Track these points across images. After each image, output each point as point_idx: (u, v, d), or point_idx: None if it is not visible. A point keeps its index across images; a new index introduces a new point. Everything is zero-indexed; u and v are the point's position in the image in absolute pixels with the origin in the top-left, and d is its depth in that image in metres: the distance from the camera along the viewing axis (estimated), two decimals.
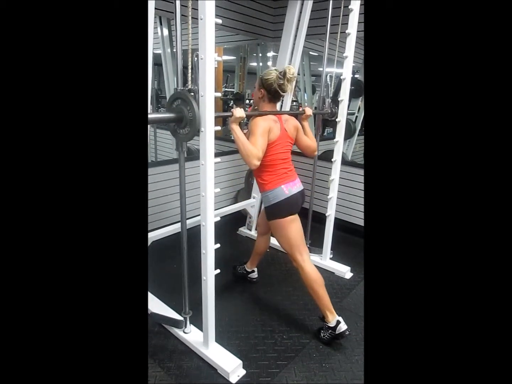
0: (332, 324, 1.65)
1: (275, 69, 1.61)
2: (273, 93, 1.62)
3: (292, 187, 1.67)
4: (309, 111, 1.83)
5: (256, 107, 1.72)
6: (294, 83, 1.61)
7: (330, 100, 2.22)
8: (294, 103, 3.87)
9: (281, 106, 2.56)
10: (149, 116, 1.19)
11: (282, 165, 1.67)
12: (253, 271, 2.19)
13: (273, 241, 2.67)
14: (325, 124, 2.37)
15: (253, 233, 2.85)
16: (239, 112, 1.44)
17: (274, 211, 1.68)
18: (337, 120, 2.15)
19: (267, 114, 1.62)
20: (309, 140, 1.81)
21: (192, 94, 1.23)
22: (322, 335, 1.69)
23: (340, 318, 1.66)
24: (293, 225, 1.68)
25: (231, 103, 4.09)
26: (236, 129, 1.47)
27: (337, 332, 1.63)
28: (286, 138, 1.68)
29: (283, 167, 1.67)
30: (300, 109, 1.84)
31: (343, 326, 1.63)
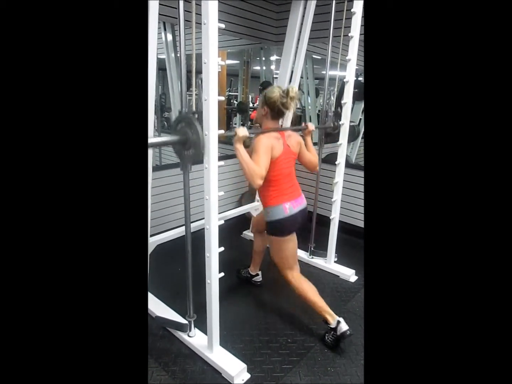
0: (333, 325, 1.66)
1: (278, 87, 1.65)
2: (277, 111, 1.65)
3: (294, 206, 1.68)
4: (311, 126, 1.87)
5: (258, 124, 1.76)
6: (296, 101, 1.64)
7: (332, 114, 2.23)
8: (297, 109, 3.88)
9: (283, 121, 2.56)
10: (154, 140, 1.24)
11: (285, 180, 1.69)
12: (257, 275, 2.19)
13: None
14: (328, 138, 2.38)
15: None
16: (242, 131, 1.47)
17: (274, 228, 1.71)
18: (341, 123, 2.16)
19: (269, 132, 1.65)
20: (311, 156, 1.84)
21: (196, 116, 1.26)
22: (326, 338, 1.68)
23: (341, 319, 1.65)
24: (289, 245, 1.73)
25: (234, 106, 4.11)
26: (240, 148, 1.49)
27: (338, 333, 1.63)
28: (289, 154, 1.71)
29: (286, 183, 1.69)
30: (303, 125, 1.88)
31: (343, 326, 1.64)
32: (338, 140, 2.21)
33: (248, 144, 1.57)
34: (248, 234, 2.93)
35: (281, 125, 2.45)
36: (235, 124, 4.08)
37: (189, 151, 1.31)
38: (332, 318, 1.67)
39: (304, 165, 1.86)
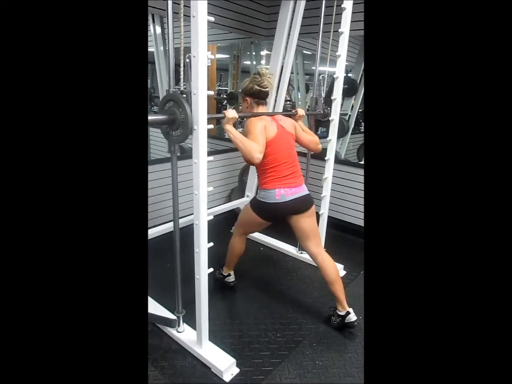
0: (225, 273, 2.06)
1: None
2: (257, 94, 1.64)
3: (288, 193, 1.63)
4: (301, 111, 1.84)
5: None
6: (274, 79, 1.68)
7: (322, 101, 2.22)
8: (288, 102, 3.87)
9: (274, 106, 2.56)
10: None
11: (283, 164, 1.64)
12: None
13: (268, 240, 2.69)
14: (318, 124, 2.38)
15: None
16: (231, 113, 1.43)
17: (257, 206, 1.72)
18: (330, 119, 2.16)
19: (260, 115, 1.62)
20: (310, 136, 1.81)
21: (184, 96, 1.22)
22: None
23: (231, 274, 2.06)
24: (258, 225, 1.84)
25: (224, 102, 4.08)
26: (230, 129, 1.46)
27: (225, 280, 2.06)
28: (286, 135, 1.67)
29: (284, 168, 1.64)
30: (293, 111, 1.87)
31: (231, 278, 2.06)
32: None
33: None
34: None
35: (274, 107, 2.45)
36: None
37: (177, 131, 1.27)
38: (227, 270, 2.04)
39: (306, 146, 1.82)
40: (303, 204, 1.71)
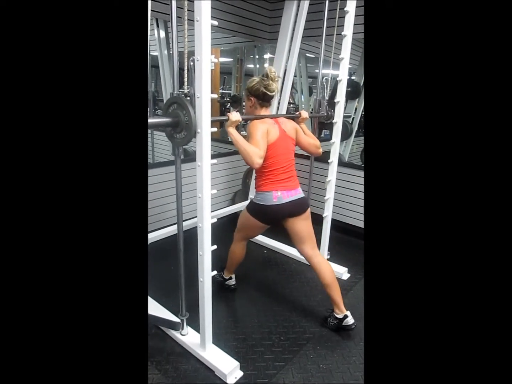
0: (225, 276, 2.07)
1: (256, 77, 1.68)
2: (262, 96, 1.65)
3: (284, 196, 1.64)
4: (305, 114, 1.85)
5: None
6: (279, 83, 1.66)
7: (326, 103, 2.23)
8: (291, 105, 3.88)
9: (277, 109, 2.57)
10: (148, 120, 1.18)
11: (282, 168, 1.66)
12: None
13: (272, 242, 2.68)
14: (321, 127, 2.38)
15: None
16: (235, 116, 1.45)
17: (255, 209, 1.72)
18: (333, 121, 2.16)
19: (263, 118, 1.63)
20: (311, 139, 1.81)
21: (188, 98, 1.23)
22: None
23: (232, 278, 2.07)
24: (257, 229, 1.83)
25: (228, 105, 4.10)
26: (233, 132, 1.48)
27: (226, 283, 2.07)
28: (287, 139, 1.68)
29: (282, 172, 1.66)
30: (297, 113, 1.87)
31: (231, 281, 2.07)
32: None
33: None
34: None
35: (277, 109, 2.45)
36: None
37: (181, 133, 1.28)
38: (228, 274, 2.04)
39: (306, 149, 1.82)
40: (299, 207, 1.73)
